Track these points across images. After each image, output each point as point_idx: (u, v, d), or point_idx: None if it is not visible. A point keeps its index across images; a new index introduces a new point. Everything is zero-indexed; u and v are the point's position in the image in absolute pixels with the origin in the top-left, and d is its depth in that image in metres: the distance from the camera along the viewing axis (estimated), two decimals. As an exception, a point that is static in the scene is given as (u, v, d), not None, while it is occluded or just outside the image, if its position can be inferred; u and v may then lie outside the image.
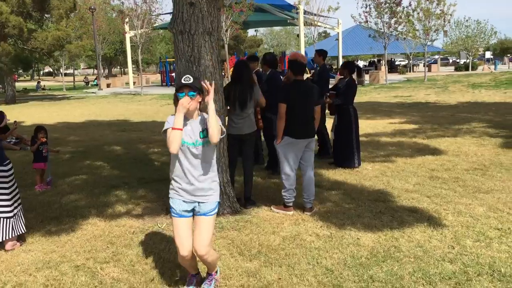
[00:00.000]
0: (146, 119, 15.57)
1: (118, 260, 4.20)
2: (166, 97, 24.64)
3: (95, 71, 38.27)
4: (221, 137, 3.38)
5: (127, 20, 30.54)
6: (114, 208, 5.69)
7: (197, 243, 3.39)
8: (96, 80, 39.80)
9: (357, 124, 7.54)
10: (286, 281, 3.77)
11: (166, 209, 5.46)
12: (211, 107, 3.21)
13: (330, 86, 8.10)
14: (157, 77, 47.00)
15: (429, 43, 33.16)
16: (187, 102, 3.21)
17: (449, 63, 60.06)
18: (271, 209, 5.48)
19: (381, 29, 31.02)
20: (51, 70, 79.24)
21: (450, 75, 37.29)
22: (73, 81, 46.88)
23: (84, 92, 34.24)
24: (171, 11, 5.14)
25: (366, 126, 11.98)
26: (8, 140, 10.08)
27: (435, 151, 8.48)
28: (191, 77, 3.29)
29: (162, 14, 37.83)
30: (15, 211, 4.57)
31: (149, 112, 18.10)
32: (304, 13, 31.23)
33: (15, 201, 4.60)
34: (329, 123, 8.11)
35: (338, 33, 39.45)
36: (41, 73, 79.00)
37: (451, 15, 31.43)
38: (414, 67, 49.31)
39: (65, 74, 56.56)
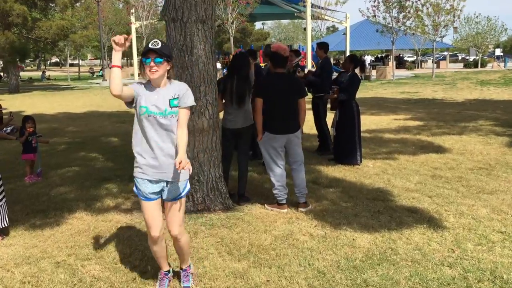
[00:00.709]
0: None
1: (100, 257, 4.02)
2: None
3: (105, 62, 38.16)
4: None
5: (132, 10, 30.36)
6: (103, 202, 5.51)
7: (169, 224, 3.28)
8: (101, 71, 39.69)
9: (359, 120, 7.29)
10: (274, 283, 3.58)
11: (156, 204, 5.27)
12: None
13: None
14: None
15: (438, 39, 32.73)
16: (122, 38, 2.88)
17: (458, 60, 59.48)
18: (264, 207, 5.28)
19: (389, 24, 30.62)
20: (58, 60, 79.26)
21: (459, 71, 36.86)
22: (78, 72, 46.76)
23: (89, 83, 34.14)
24: None
25: (370, 122, 11.74)
26: (4, 130, 9.97)
27: (439, 149, 8.23)
28: (159, 41, 3.03)
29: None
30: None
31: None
32: (312, 6, 30.87)
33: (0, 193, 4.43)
34: (330, 118, 7.87)
35: (346, 27, 38.99)
36: (48, 63, 79.09)
37: (460, 10, 30.97)
38: (423, 63, 48.80)
39: (72, 65, 56.52)
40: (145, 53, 3.02)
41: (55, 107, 17.23)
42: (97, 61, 76.96)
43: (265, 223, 4.79)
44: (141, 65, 3.08)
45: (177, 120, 3.14)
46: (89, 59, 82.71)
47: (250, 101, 5.36)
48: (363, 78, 30.88)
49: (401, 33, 30.88)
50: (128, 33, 38.42)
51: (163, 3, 4.91)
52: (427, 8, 30.87)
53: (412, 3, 30.14)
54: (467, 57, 55.84)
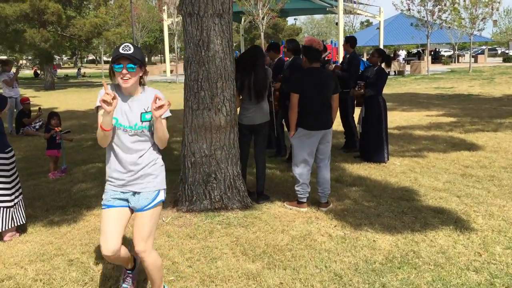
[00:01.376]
0: (176, 107, 15.34)
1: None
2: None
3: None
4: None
5: (165, 8, 30.59)
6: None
7: (135, 237, 2.91)
8: (135, 68, 40.14)
9: (386, 116, 7.04)
10: (288, 286, 3.45)
11: (174, 202, 5.22)
12: (163, 122, 2.75)
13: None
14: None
15: (476, 32, 31.66)
16: (110, 97, 2.55)
17: (497, 54, 57.48)
18: (284, 205, 5.14)
19: (424, 17, 29.81)
20: (94, 58, 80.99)
21: (498, 66, 35.58)
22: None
23: (122, 80, 34.60)
24: None
25: (400, 118, 11.41)
26: (33, 126, 10.17)
27: (471, 147, 7.89)
28: (131, 46, 2.73)
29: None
30: (16, 200, 4.41)
31: (180, 100, 17.96)
32: (344, 1, 30.40)
33: (16, 190, 4.44)
34: (355, 114, 7.65)
35: (379, 21, 38.25)
36: (85, 61, 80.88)
37: (499, 3, 29.83)
38: (460, 58, 47.40)
39: (106, 62, 57.51)
40: (116, 60, 2.72)
41: (87, 103, 17.51)
42: (132, 59, 78.01)
43: (283, 222, 4.66)
44: (111, 72, 2.80)
45: (150, 134, 2.88)
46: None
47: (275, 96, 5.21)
48: (396, 73, 30.24)
49: (436, 26, 30.00)
50: (162, 30, 38.62)
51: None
52: (464, 1, 29.89)
53: (449, -5, 29.23)
54: (507, 51, 53.89)
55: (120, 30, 28.55)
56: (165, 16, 31.87)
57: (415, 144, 8.22)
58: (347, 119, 7.85)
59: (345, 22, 31.57)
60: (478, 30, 31.56)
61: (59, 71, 47.12)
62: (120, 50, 2.70)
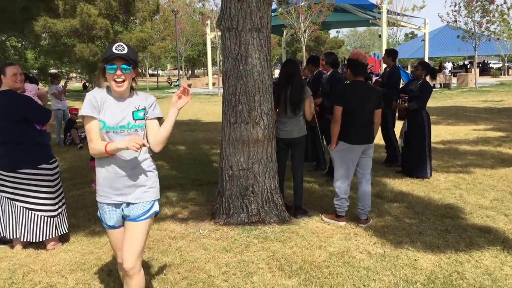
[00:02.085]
0: (217, 119, 15.58)
1: (151, 267, 4.01)
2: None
3: (181, 72, 39.51)
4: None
5: (208, 22, 31.14)
6: (161, 210, 5.54)
7: (125, 251, 2.76)
8: (178, 81, 41.05)
9: (429, 130, 6.83)
10: (324, 304, 3.37)
11: (212, 214, 5.23)
12: (175, 115, 2.68)
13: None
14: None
15: (526, 43, 30.52)
16: (140, 141, 2.46)
17: (550, 66, 55.05)
18: (321, 219, 5.06)
19: (471, 29, 28.99)
20: (140, 71, 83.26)
21: (550, 78, 34.10)
22: (156, 82, 48.66)
23: (166, 92, 35.31)
24: None
25: (446, 132, 11.07)
26: (79, 134, 10.53)
27: (521, 163, 7.55)
28: (125, 45, 2.60)
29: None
30: (59, 210, 4.53)
31: (220, 112, 18.15)
32: (388, 13, 30.00)
33: (60, 200, 4.57)
34: (397, 128, 7.47)
35: (424, 33, 37.52)
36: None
37: (551, 12, 28.63)
38: (510, 70, 45.72)
39: (152, 75, 58.98)
40: (110, 59, 2.58)
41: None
42: (176, 71, 79.89)
43: (320, 238, 4.58)
44: (100, 73, 2.66)
45: (143, 135, 2.79)
46: (169, 70, 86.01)
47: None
48: (441, 86, 29.49)
49: (484, 38, 29.10)
50: (205, 44, 39.13)
51: (219, 12, 4.87)
52: (514, 11, 28.87)
53: (497, 6, 28.34)
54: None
55: (164, 44, 29.30)
56: (208, 30, 32.44)
57: (460, 160, 7.94)
58: (387, 133, 7.69)
59: (388, 34, 31.13)
60: (529, 42, 30.41)
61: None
62: (114, 50, 2.56)
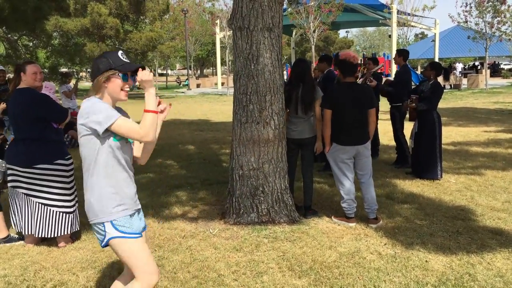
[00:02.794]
0: (226, 119, 15.61)
1: (161, 266, 4.02)
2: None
3: (190, 72, 39.63)
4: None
5: (217, 22, 31.19)
6: (171, 210, 5.56)
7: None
8: (187, 80, 41.22)
9: (440, 131, 6.79)
10: (335, 305, 3.36)
11: (222, 213, 5.24)
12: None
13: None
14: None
15: (538, 44, 30.23)
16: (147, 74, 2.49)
17: (561, 67, 54.53)
18: (332, 219, 5.05)
19: (482, 29, 28.77)
20: (149, 70, 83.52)
21: (562, 80, 33.76)
22: (166, 81, 48.84)
23: (175, 92, 35.44)
24: None
25: (456, 133, 11.00)
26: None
27: (533, 165, 7.48)
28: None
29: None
30: (74, 207, 4.57)
31: (230, 112, 18.17)
32: (398, 13, 29.86)
33: (74, 198, 4.60)
34: (408, 129, 7.44)
35: (434, 34, 37.30)
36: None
37: None
38: (521, 71, 45.31)
39: (161, 74, 59.19)
40: (135, 70, 2.55)
41: (139, 115, 17.96)
42: (185, 71, 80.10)
43: (330, 238, 4.57)
44: (101, 81, 2.51)
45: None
46: (177, 69, 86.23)
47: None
48: (452, 87, 29.29)
49: (495, 39, 28.86)
50: (214, 43, 39.18)
51: (231, 11, 4.88)
52: (526, 12, 28.59)
53: (509, 6, 28.09)
54: None
55: (174, 43, 29.39)
56: (217, 29, 32.48)
57: (471, 161, 7.89)
58: (396, 134, 7.66)
59: (398, 35, 30.98)
60: (541, 42, 30.11)
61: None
62: (125, 59, 2.54)
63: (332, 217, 5.08)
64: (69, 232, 4.51)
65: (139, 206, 2.71)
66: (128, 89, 2.58)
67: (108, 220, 2.50)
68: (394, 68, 24.95)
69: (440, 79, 6.89)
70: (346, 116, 4.79)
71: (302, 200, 5.36)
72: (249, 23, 4.59)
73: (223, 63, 38.95)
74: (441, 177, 6.69)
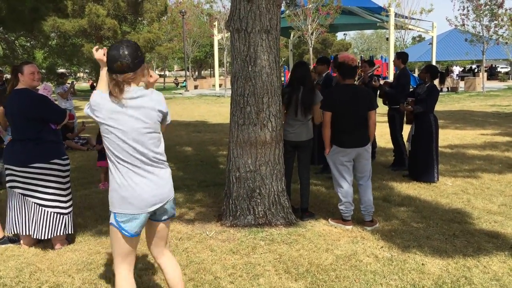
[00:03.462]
0: (223, 121, 15.60)
1: (157, 268, 4.01)
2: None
3: (187, 73, 39.58)
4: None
5: (215, 23, 31.20)
6: (168, 211, 5.54)
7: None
8: (185, 82, 41.20)
9: (437, 134, 6.80)
10: (331, 308, 3.35)
11: (218, 215, 5.23)
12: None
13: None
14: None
15: (535, 48, 30.32)
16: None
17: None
18: (328, 222, 5.05)
19: (479, 32, 28.85)
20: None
21: (559, 83, 33.89)
22: (163, 82, 48.81)
23: (172, 93, 35.41)
24: None
25: (453, 136, 11.02)
26: (76, 140, 10.47)
27: (529, 168, 7.49)
28: None
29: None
30: (69, 209, 4.55)
31: (227, 113, 18.15)
32: (395, 16, 29.93)
33: (70, 199, 4.59)
34: (405, 132, 7.44)
35: (432, 37, 37.40)
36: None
37: (561, 17, 28.42)
38: (518, 74, 45.43)
39: (159, 75, 59.04)
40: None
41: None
42: (183, 72, 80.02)
43: (327, 241, 4.56)
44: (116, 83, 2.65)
45: None
46: (175, 70, 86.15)
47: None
48: (449, 90, 29.36)
49: (492, 42, 28.95)
50: (212, 45, 39.26)
51: (229, 13, 4.88)
52: (523, 15, 28.69)
53: (506, 10, 28.18)
54: None
55: (172, 45, 29.38)
56: (215, 31, 32.50)
57: (468, 164, 7.90)
58: (394, 136, 7.67)
59: (396, 38, 31.05)
60: (538, 46, 30.23)
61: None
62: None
63: (329, 220, 5.08)
64: (63, 234, 4.48)
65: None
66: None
67: None
68: (391, 70, 24.99)
69: (436, 82, 6.90)
70: (346, 118, 4.79)
71: (299, 203, 5.36)
72: (247, 25, 4.59)
73: (221, 64, 39.03)
74: (438, 180, 6.70)
